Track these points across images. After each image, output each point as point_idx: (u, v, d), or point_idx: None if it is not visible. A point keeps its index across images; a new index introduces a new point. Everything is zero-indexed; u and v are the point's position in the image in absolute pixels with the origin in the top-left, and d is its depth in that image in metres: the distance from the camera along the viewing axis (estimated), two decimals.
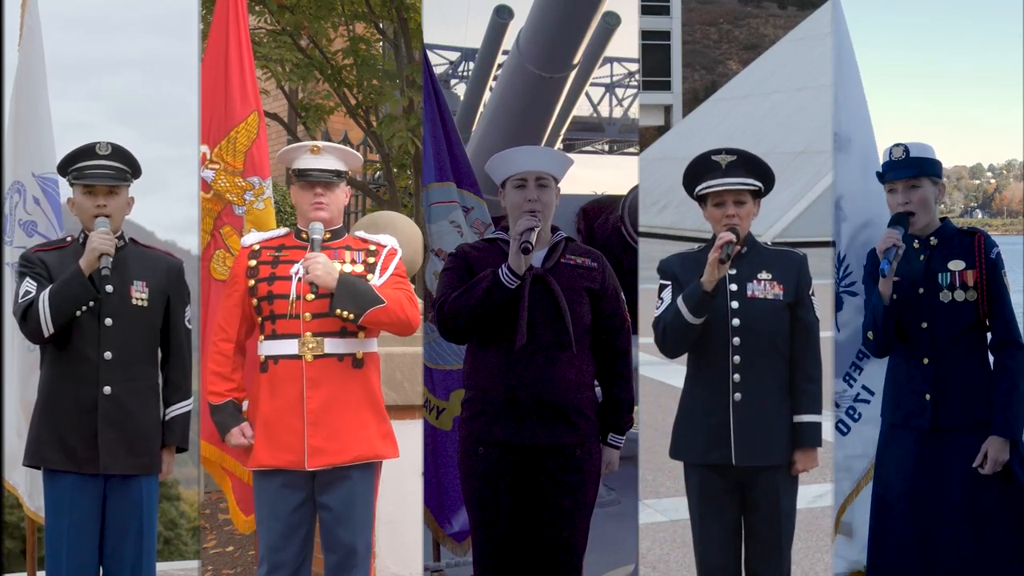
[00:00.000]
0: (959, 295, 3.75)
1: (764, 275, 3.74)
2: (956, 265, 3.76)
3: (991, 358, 3.78)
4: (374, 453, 3.74)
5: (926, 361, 3.76)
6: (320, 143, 3.85)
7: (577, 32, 4.84)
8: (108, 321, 3.82)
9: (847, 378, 4.29)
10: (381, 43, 12.43)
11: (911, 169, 3.80)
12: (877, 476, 3.93)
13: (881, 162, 3.94)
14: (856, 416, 4.29)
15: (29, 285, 3.78)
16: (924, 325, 3.77)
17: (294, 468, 3.67)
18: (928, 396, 3.74)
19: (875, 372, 4.17)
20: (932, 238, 3.84)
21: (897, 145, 3.85)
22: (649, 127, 43.03)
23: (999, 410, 3.68)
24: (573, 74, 4.95)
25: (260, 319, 3.76)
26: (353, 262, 3.80)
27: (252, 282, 3.77)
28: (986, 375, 3.75)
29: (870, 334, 3.86)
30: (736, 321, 3.69)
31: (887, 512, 3.84)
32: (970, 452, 3.69)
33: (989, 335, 3.78)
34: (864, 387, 4.25)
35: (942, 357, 3.75)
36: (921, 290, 3.78)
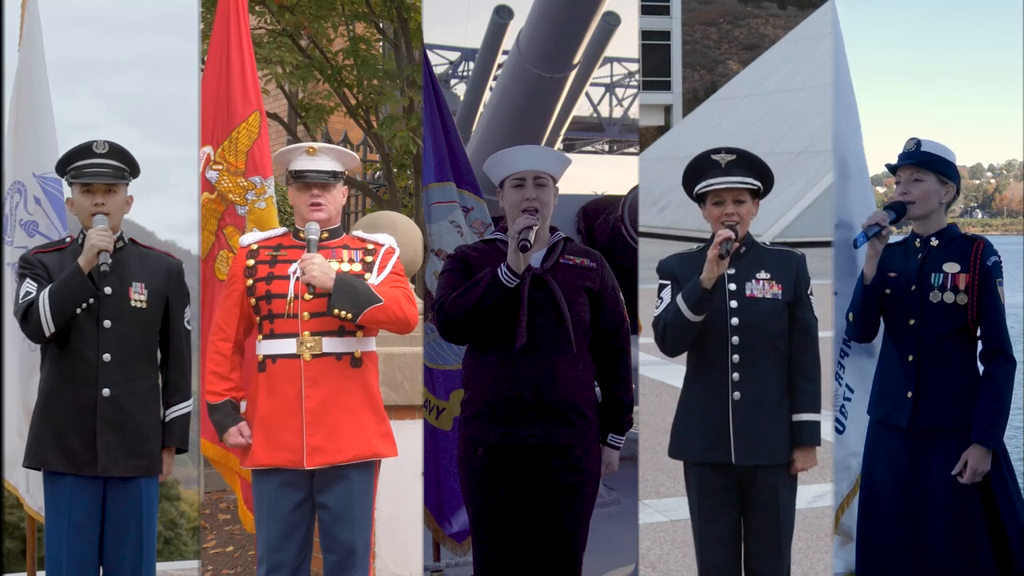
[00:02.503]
0: (948, 297, 3.76)
1: (763, 274, 3.74)
2: (951, 267, 3.77)
3: (980, 367, 3.78)
4: (372, 452, 3.74)
5: (911, 358, 3.78)
6: (316, 144, 3.85)
7: (577, 32, 4.84)
8: (107, 323, 3.82)
9: (836, 377, 4.31)
10: (381, 43, 12.43)
11: (915, 159, 3.82)
12: (865, 475, 3.94)
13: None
14: (847, 414, 4.31)
15: (29, 286, 3.78)
16: (912, 322, 3.79)
17: (292, 467, 3.67)
18: (910, 394, 3.76)
19: (853, 370, 4.20)
20: (933, 239, 3.85)
21: (911, 139, 3.88)
22: (649, 127, 43.03)
23: (981, 419, 3.69)
24: (573, 74, 4.95)
25: (258, 318, 3.77)
26: (351, 261, 3.80)
27: (250, 281, 3.77)
28: (970, 380, 3.76)
29: (850, 315, 3.90)
30: (735, 320, 3.69)
31: (876, 511, 3.86)
32: (955, 456, 3.71)
33: (980, 343, 3.79)
34: (847, 385, 4.28)
35: (927, 356, 3.76)
36: (913, 288, 3.79)
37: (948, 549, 3.70)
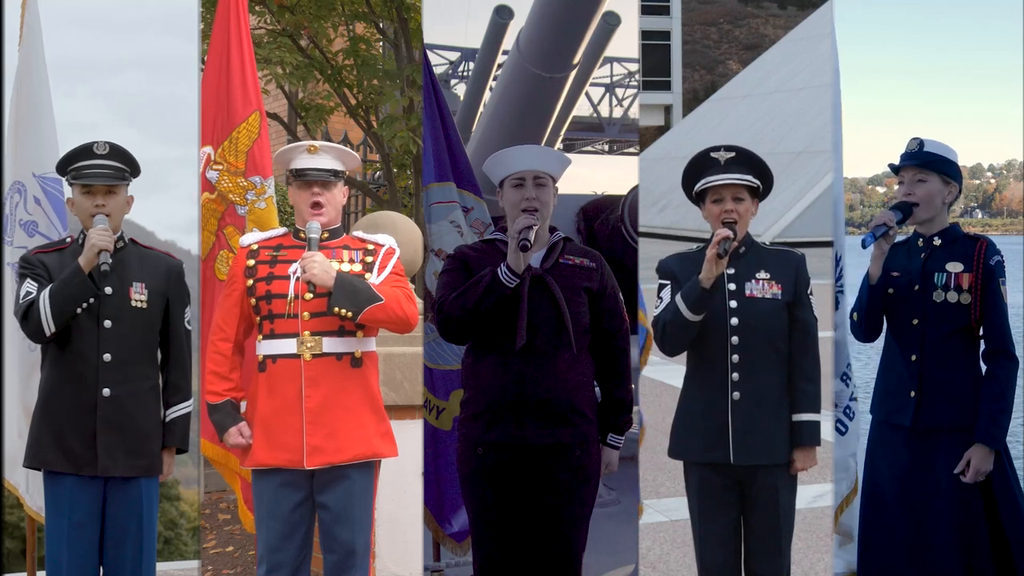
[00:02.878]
0: (952, 296, 3.76)
1: (762, 274, 3.74)
2: (954, 267, 3.78)
3: (983, 366, 3.79)
4: (373, 452, 3.74)
5: (914, 358, 3.79)
6: (317, 143, 3.85)
7: (577, 32, 4.83)
8: (107, 323, 3.82)
9: (844, 377, 4.31)
10: (381, 43, 12.43)
11: (918, 160, 3.82)
12: (867, 474, 3.95)
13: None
14: (851, 415, 4.31)
15: (30, 286, 3.78)
16: (915, 322, 3.79)
17: (292, 467, 3.67)
18: (912, 393, 3.77)
19: (863, 371, 4.21)
20: (936, 238, 3.86)
21: (914, 139, 3.88)
22: (649, 127, 43.02)
23: (985, 418, 3.70)
24: (573, 74, 4.95)
25: (258, 319, 3.77)
26: (351, 261, 3.80)
27: (250, 282, 3.77)
28: (973, 379, 3.76)
29: (855, 315, 3.91)
30: (735, 320, 3.69)
31: (879, 511, 3.86)
32: (957, 455, 3.71)
33: (982, 342, 3.79)
34: (857, 386, 4.28)
35: (929, 356, 3.76)
36: (916, 287, 3.80)
37: (950, 549, 3.70)
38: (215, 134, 4.59)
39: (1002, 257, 3.82)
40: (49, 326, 3.72)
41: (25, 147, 4.69)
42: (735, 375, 3.68)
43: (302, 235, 3.78)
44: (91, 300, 3.75)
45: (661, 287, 3.80)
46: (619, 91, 5.12)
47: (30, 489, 4.61)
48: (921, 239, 3.88)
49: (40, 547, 4.37)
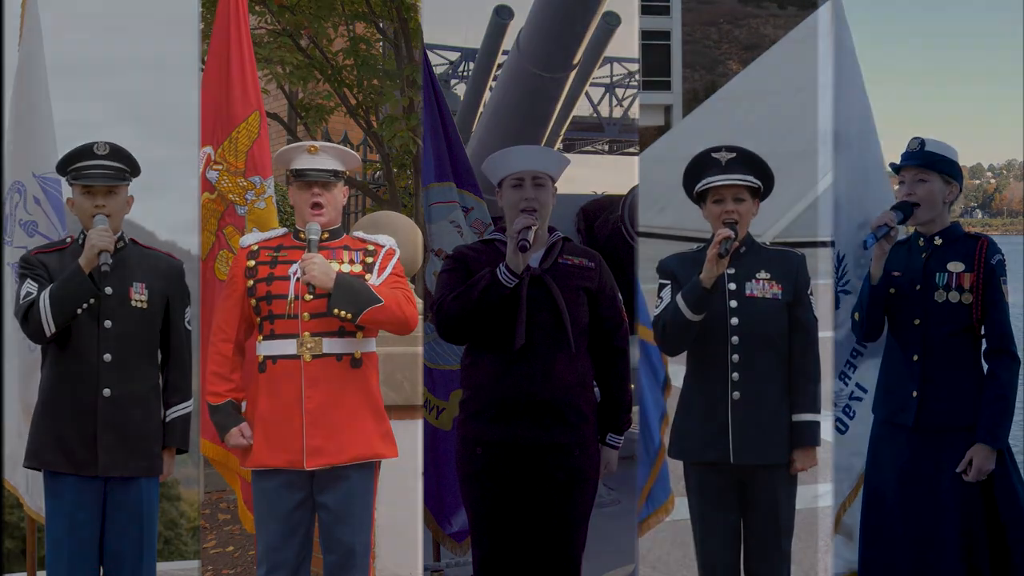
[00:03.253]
0: (953, 296, 3.76)
1: (763, 274, 3.75)
2: (955, 267, 3.78)
3: (985, 365, 3.78)
4: (373, 453, 3.74)
5: (916, 358, 3.79)
6: (317, 143, 3.85)
7: (577, 32, 4.84)
8: (107, 323, 3.81)
9: (842, 376, 4.31)
10: (381, 43, 12.43)
11: (920, 160, 3.82)
12: (869, 473, 3.95)
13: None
14: (852, 414, 4.30)
15: (30, 286, 3.78)
16: (917, 322, 3.79)
17: (293, 468, 3.67)
18: (915, 393, 3.77)
19: (868, 370, 4.20)
20: (937, 238, 3.86)
21: (915, 138, 3.88)
22: (649, 127, 42.97)
23: (986, 418, 3.70)
24: (573, 74, 4.95)
25: (259, 319, 3.76)
26: (351, 262, 3.80)
27: (251, 282, 3.77)
28: (975, 379, 3.76)
29: (856, 315, 3.90)
30: (735, 320, 3.69)
31: (880, 510, 3.86)
32: (960, 455, 3.71)
33: (984, 342, 3.79)
34: (858, 385, 4.27)
35: (931, 356, 3.76)
36: (918, 287, 3.80)
37: (951, 548, 3.70)
38: (215, 134, 4.59)
39: (1003, 256, 3.81)
40: (49, 326, 3.71)
41: (25, 147, 4.68)
42: (735, 375, 3.68)
43: (302, 235, 3.77)
44: (91, 300, 3.75)
45: (661, 287, 3.81)
46: (619, 91, 5.13)
47: (30, 489, 4.61)
48: (922, 239, 3.88)
49: (40, 547, 4.37)
